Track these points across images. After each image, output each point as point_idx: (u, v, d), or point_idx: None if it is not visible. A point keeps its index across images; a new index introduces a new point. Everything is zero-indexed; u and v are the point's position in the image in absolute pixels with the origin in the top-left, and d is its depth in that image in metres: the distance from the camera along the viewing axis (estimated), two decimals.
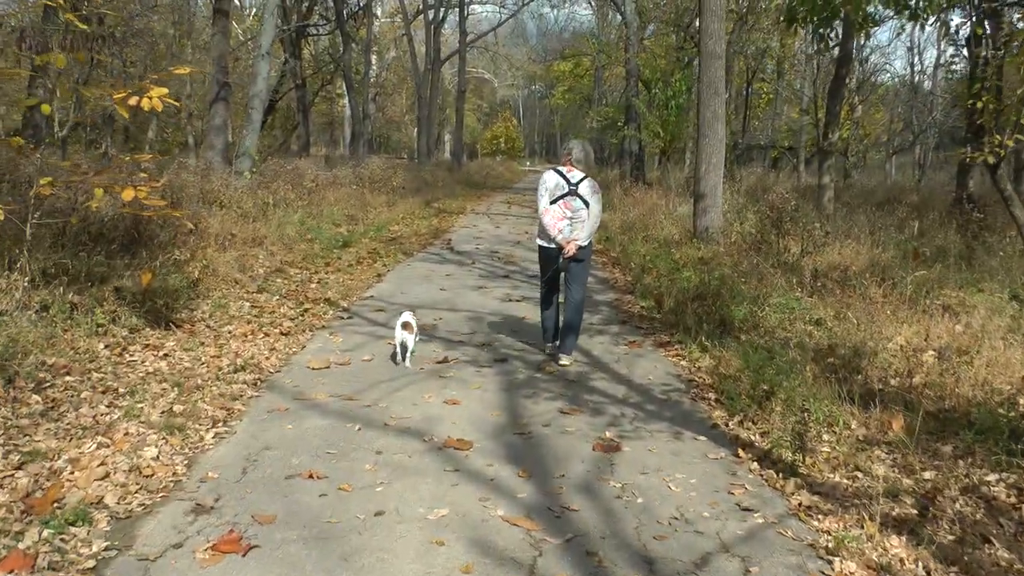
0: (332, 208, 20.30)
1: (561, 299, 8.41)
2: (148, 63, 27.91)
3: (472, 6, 48.84)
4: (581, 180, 7.83)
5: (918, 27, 27.05)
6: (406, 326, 7.81)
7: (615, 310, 11.11)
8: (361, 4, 40.14)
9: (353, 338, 9.05)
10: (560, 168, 7.98)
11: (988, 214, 17.44)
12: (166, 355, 7.82)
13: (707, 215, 15.15)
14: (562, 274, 8.20)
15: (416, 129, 50.94)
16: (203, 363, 7.70)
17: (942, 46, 34.39)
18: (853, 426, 6.14)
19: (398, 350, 7.92)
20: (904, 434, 5.82)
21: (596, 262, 14.98)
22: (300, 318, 9.86)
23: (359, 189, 24.30)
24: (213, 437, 5.91)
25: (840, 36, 17.04)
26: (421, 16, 45.46)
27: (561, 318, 8.41)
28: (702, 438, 6.23)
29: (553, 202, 7.83)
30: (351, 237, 17.62)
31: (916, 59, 69.54)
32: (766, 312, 9.81)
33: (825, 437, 6.00)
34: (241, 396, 6.88)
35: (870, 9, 10.48)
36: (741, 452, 5.89)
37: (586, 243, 7.95)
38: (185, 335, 8.60)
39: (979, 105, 8.83)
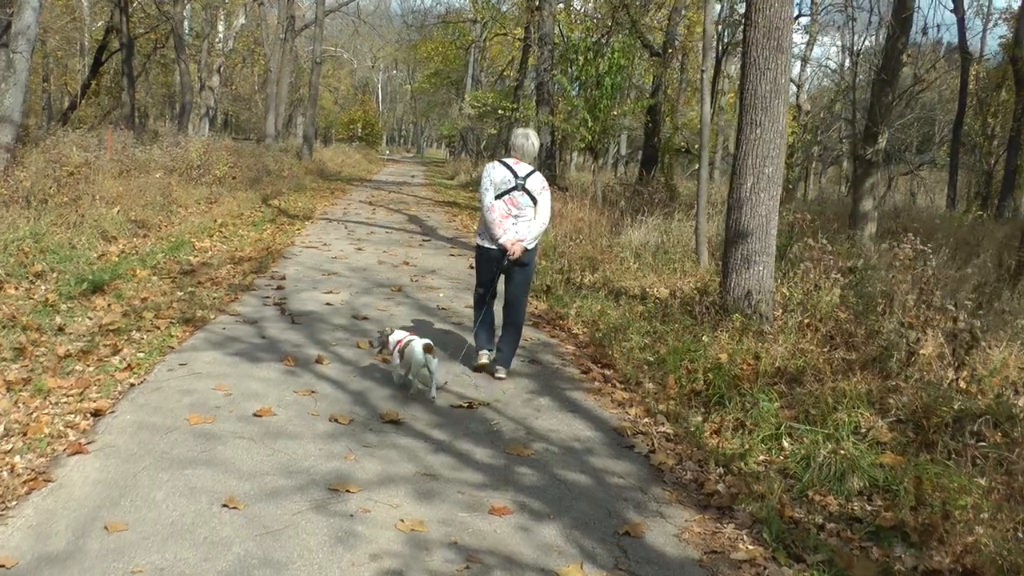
0: (108, 209, 12.02)
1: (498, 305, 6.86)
2: None
3: None
4: (529, 174, 6.50)
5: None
6: (428, 348, 5.81)
7: None
8: None
9: None
10: (507, 160, 6.58)
11: None
12: None
13: (751, 269, 7.80)
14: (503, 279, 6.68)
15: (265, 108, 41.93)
16: None
17: None
18: None
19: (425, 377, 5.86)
20: None
21: (555, 350, 7.52)
22: None
23: (166, 177, 15.95)
24: None
25: None
26: None
27: (499, 327, 6.84)
28: None
29: (498, 197, 6.42)
30: (117, 268, 9.56)
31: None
32: None
33: None
34: None
35: None
36: None
37: (532, 245, 6.53)
38: None
39: None
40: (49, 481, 4.14)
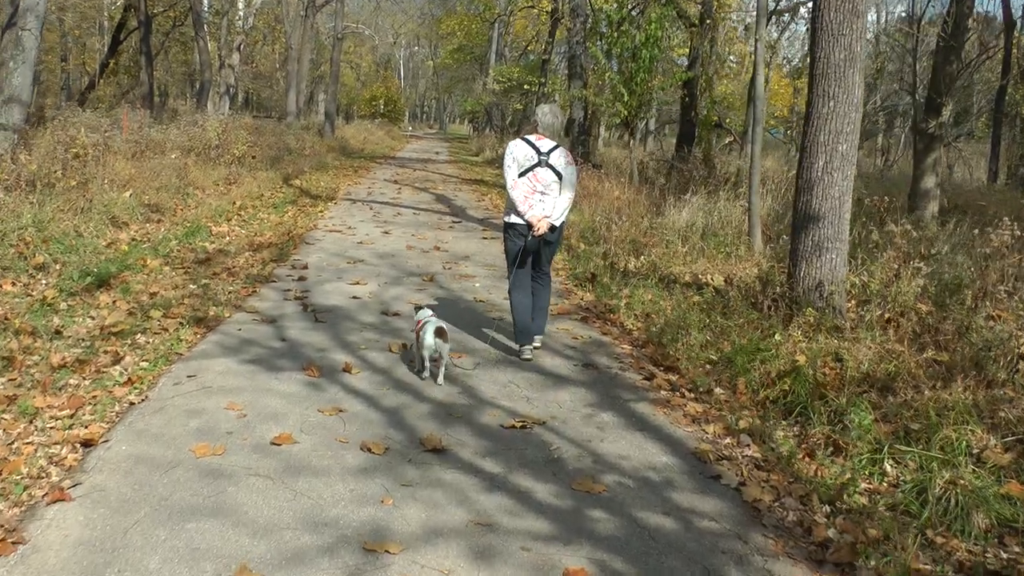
0: (120, 193, 11.22)
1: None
2: None
3: None
4: (552, 149, 6.34)
5: None
6: (440, 332, 5.45)
7: None
8: None
9: None
10: (528, 137, 6.45)
11: None
12: None
13: (823, 257, 6.91)
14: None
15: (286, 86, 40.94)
16: None
17: None
18: None
19: (427, 364, 5.51)
20: None
21: (610, 350, 6.64)
22: None
23: (182, 158, 15.13)
24: None
25: None
26: None
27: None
28: None
29: (522, 175, 6.29)
30: (126, 258, 8.77)
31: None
32: None
33: None
34: None
35: None
36: None
37: (560, 222, 6.36)
38: None
39: None
40: (19, 543, 3.32)
